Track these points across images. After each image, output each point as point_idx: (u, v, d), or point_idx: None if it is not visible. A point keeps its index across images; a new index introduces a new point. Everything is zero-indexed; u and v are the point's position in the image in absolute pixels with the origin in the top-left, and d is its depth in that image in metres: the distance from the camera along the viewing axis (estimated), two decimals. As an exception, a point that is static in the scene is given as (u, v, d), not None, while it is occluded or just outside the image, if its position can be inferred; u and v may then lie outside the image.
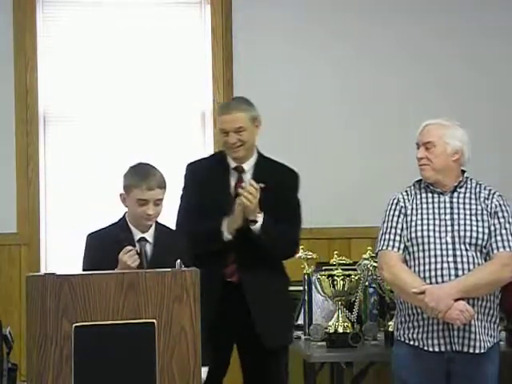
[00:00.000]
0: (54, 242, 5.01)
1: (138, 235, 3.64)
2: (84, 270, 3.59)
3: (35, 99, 4.96)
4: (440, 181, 3.72)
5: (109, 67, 5.07)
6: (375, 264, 4.26)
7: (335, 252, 4.47)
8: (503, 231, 3.67)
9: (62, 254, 5.00)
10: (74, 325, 2.85)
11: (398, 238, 3.71)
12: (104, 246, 3.57)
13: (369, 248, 4.40)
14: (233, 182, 3.91)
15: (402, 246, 3.71)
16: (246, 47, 5.10)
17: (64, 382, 2.83)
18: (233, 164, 3.92)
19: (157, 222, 3.68)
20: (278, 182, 3.85)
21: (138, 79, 5.08)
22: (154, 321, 2.90)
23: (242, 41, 5.09)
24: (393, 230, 3.72)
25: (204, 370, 3.30)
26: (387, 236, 3.72)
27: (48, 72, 5.04)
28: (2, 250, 4.89)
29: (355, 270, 4.37)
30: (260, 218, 3.79)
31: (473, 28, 5.26)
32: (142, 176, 3.57)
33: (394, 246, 3.70)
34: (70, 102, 5.08)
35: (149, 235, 3.66)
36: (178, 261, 3.42)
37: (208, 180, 3.90)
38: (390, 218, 3.75)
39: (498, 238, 3.66)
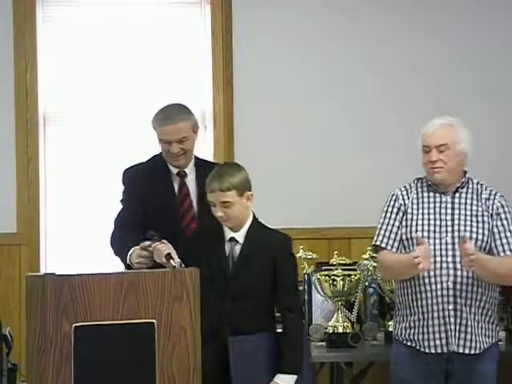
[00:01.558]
0: (53, 242, 5.01)
1: (228, 235, 3.61)
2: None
3: (35, 99, 4.96)
4: (449, 182, 3.72)
5: (109, 67, 5.07)
6: (375, 264, 4.27)
7: (335, 252, 4.48)
8: (508, 234, 3.67)
9: (61, 254, 4.99)
10: (73, 325, 2.85)
11: (393, 235, 3.72)
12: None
13: (369, 248, 4.40)
14: (176, 188, 3.88)
15: (397, 243, 3.72)
16: (246, 47, 5.09)
17: (64, 382, 2.83)
18: (174, 170, 3.88)
19: (253, 220, 3.63)
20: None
21: (138, 79, 5.07)
22: (154, 321, 2.90)
23: (241, 41, 5.09)
24: (389, 227, 3.73)
25: None
26: (382, 232, 3.74)
27: (48, 72, 5.04)
28: (1, 250, 4.89)
29: (355, 270, 4.38)
30: (178, 265, 3.52)
31: (470, 26, 5.25)
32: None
33: (387, 244, 3.72)
34: (70, 102, 5.07)
35: (239, 235, 3.60)
36: (179, 260, 3.42)
37: (151, 185, 3.84)
38: (388, 214, 3.76)
39: (504, 240, 3.65)
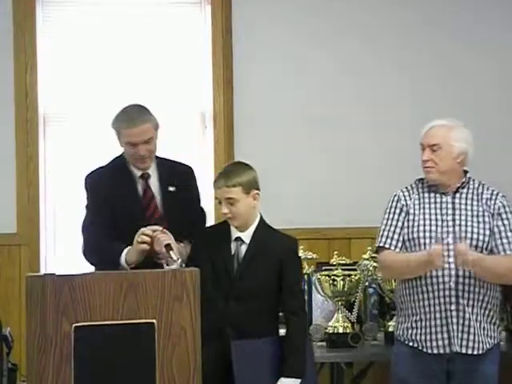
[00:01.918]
0: (53, 242, 5.01)
1: (235, 234, 3.64)
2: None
3: (35, 99, 4.96)
4: (444, 182, 3.72)
5: (109, 67, 5.07)
6: (375, 264, 4.28)
7: (335, 252, 4.48)
8: (509, 233, 3.67)
9: (61, 254, 4.99)
10: (73, 325, 2.85)
11: (396, 236, 3.72)
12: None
13: (369, 248, 4.40)
14: (140, 190, 3.82)
15: (400, 244, 3.71)
16: (246, 47, 5.09)
17: (64, 382, 2.83)
18: (137, 172, 3.82)
19: (260, 221, 3.66)
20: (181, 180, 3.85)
21: (138, 79, 5.07)
22: (154, 321, 2.90)
23: (241, 41, 5.09)
24: (392, 228, 3.73)
25: None
26: (386, 233, 3.74)
27: (48, 72, 5.04)
28: (1, 249, 4.89)
29: (355, 270, 4.38)
30: (177, 256, 3.54)
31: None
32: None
33: (391, 244, 3.72)
34: (70, 102, 5.07)
35: (246, 235, 3.63)
36: (179, 261, 3.42)
37: (114, 190, 3.77)
38: (391, 215, 3.76)
39: (505, 240, 3.65)
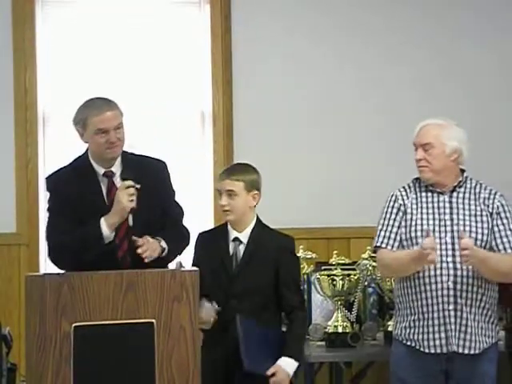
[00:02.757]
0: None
1: (232, 235, 3.71)
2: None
3: (34, 99, 4.95)
4: (439, 181, 3.72)
5: (108, 67, 5.07)
6: (374, 264, 4.27)
7: (334, 252, 4.48)
8: (508, 232, 3.67)
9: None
10: (73, 325, 2.85)
11: (393, 235, 3.72)
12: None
13: (368, 248, 4.40)
14: (104, 190, 3.67)
15: (397, 243, 3.72)
16: (245, 47, 5.09)
17: (63, 382, 2.83)
18: (101, 170, 3.68)
19: (257, 221, 3.74)
20: (151, 177, 3.68)
21: (137, 79, 5.07)
22: (154, 321, 2.91)
23: (241, 41, 5.09)
24: (389, 228, 3.74)
25: None
26: (383, 233, 3.74)
27: (47, 72, 5.04)
28: (1, 250, 4.88)
29: (354, 269, 4.38)
30: (164, 246, 3.56)
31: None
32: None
33: (388, 244, 3.72)
34: (69, 103, 5.06)
35: (243, 235, 3.71)
36: (178, 261, 3.43)
37: (78, 190, 3.62)
38: (388, 215, 3.76)
39: (505, 239, 3.66)
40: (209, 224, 5.02)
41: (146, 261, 3.47)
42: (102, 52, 5.07)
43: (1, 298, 4.84)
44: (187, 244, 3.80)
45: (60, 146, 5.05)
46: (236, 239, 3.72)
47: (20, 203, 4.92)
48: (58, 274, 2.94)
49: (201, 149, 5.15)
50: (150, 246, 3.50)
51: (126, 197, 3.51)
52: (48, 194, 3.75)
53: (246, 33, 5.10)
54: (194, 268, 3.02)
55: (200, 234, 3.90)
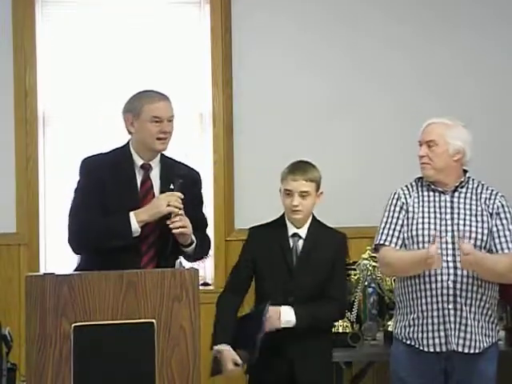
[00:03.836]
0: (53, 242, 5.01)
1: (291, 230, 3.78)
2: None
3: (34, 99, 4.96)
4: (441, 180, 3.73)
5: (108, 67, 5.07)
6: (375, 264, 4.28)
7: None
8: (507, 232, 3.67)
9: (61, 254, 4.99)
10: (73, 325, 2.85)
11: (396, 233, 3.73)
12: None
13: (368, 248, 4.40)
14: (139, 180, 3.71)
15: (400, 241, 3.72)
16: (245, 47, 5.09)
17: (63, 382, 2.83)
18: (140, 161, 3.71)
19: (313, 218, 3.82)
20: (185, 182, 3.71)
21: (137, 79, 5.06)
22: (154, 321, 2.90)
23: (241, 41, 5.09)
24: (392, 226, 3.74)
25: None
26: (386, 231, 3.74)
27: (47, 72, 5.04)
28: (1, 249, 4.89)
29: (354, 269, 4.38)
30: (193, 239, 3.66)
31: (470, 27, 5.26)
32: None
33: (391, 242, 3.72)
34: (69, 102, 5.07)
35: (302, 231, 3.78)
36: (178, 261, 3.44)
37: (111, 177, 3.66)
38: (391, 213, 3.76)
39: (503, 239, 3.66)
40: (209, 224, 5.03)
41: (178, 231, 3.54)
42: (102, 52, 5.07)
43: (1, 298, 4.84)
44: (208, 253, 3.90)
45: (60, 146, 5.06)
46: (295, 235, 3.79)
47: (20, 203, 4.92)
48: (58, 274, 2.94)
49: (201, 149, 5.15)
50: (184, 220, 3.57)
51: (166, 202, 3.56)
52: (79, 176, 3.77)
53: (245, 33, 5.10)
54: (194, 268, 3.02)
55: (253, 228, 3.94)
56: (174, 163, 3.84)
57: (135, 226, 3.57)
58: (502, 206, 3.72)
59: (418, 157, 3.74)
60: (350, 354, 4.17)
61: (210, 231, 5.01)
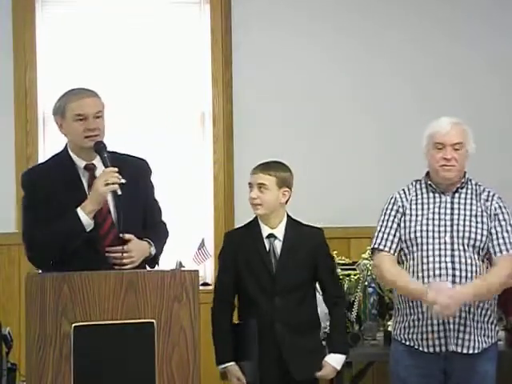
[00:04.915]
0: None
1: (266, 231, 3.74)
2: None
3: (34, 99, 4.96)
4: (455, 181, 3.73)
5: (108, 67, 5.06)
6: (374, 264, 4.27)
7: (334, 252, 4.46)
8: (505, 234, 3.67)
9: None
10: (73, 324, 2.85)
11: (390, 237, 3.73)
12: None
13: (368, 248, 4.39)
14: (85, 182, 3.56)
15: (395, 246, 3.72)
16: (245, 47, 5.09)
17: (63, 382, 2.83)
18: (82, 163, 3.57)
19: (288, 218, 3.80)
20: (133, 174, 3.58)
21: (137, 79, 5.07)
22: (154, 321, 2.91)
23: (241, 41, 5.09)
24: (387, 230, 3.74)
25: None
26: (381, 235, 3.75)
27: (47, 72, 5.04)
28: (1, 249, 4.89)
29: (354, 269, 4.38)
30: (152, 250, 3.56)
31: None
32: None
33: (385, 246, 3.72)
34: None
35: (278, 231, 3.75)
36: (178, 261, 3.43)
37: (57, 185, 3.51)
38: (386, 217, 3.76)
39: (501, 240, 3.66)
40: (209, 224, 5.03)
41: (128, 266, 3.41)
42: (102, 52, 5.07)
43: (1, 297, 4.84)
44: (167, 240, 3.76)
45: (60, 146, 5.05)
46: (271, 235, 3.75)
47: (20, 203, 4.91)
48: (58, 274, 2.94)
49: (201, 149, 5.15)
50: (136, 248, 3.47)
51: (102, 182, 3.42)
52: (23, 191, 3.63)
53: (246, 33, 5.10)
54: (194, 269, 3.02)
55: (228, 233, 3.94)
56: (119, 156, 3.67)
57: (85, 219, 3.44)
58: (500, 207, 3.72)
59: (442, 159, 3.68)
60: (349, 354, 4.16)
61: (210, 231, 5.03)
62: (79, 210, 3.45)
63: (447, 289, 3.51)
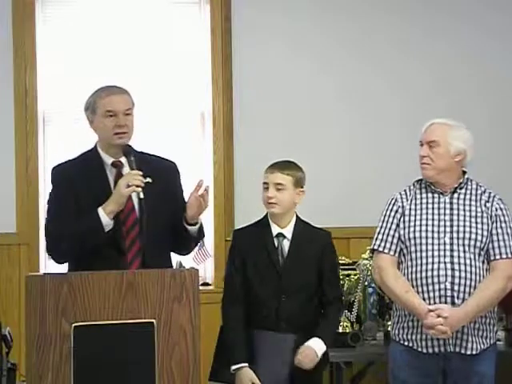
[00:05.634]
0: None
1: (275, 230, 3.75)
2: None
3: (34, 99, 4.96)
4: (441, 181, 3.72)
5: (108, 67, 5.07)
6: (374, 264, 4.27)
7: (334, 252, 4.47)
8: (506, 237, 3.67)
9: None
10: (73, 325, 2.85)
11: (390, 239, 3.72)
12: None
13: (368, 248, 4.39)
14: (111, 179, 3.60)
15: (394, 247, 3.72)
16: (245, 47, 5.09)
17: (63, 382, 2.83)
18: (109, 160, 3.62)
19: (297, 218, 3.79)
20: (162, 174, 3.66)
21: (137, 79, 5.06)
22: (154, 321, 2.90)
23: (241, 41, 5.09)
24: (387, 231, 3.74)
25: None
26: (381, 236, 3.75)
27: (47, 72, 5.04)
28: (1, 249, 4.89)
29: (354, 269, 4.39)
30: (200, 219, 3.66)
31: (469, 27, 5.26)
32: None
33: (385, 247, 3.72)
34: (69, 102, 5.07)
35: (286, 231, 3.75)
36: (178, 261, 3.43)
37: (83, 181, 3.57)
38: (386, 218, 3.76)
39: (501, 243, 3.66)
40: (209, 224, 5.03)
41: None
42: (102, 52, 5.07)
43: (1, 298, 4.85)
44: (203, 237, 3.84)
45: (60, 146, 5.06)
46: (280, 235, 3.75)
47: (20, 203, 4.92)
48: (58, 273, 2.94)
49: (201, 149, 5.15)
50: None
51: (125, 183, 3.47)
52: (51, 185, 3.70)
53: (246, 33, 5.10)
54: (194, 269, 3.02)
55: (236, 230, 3.95)
56: (148, 156, 3.73)
57: (105, 219, 3.49)
58: (500, 209, 3.72)
59: (419, 157, 3.73)
60: (349, 354, 4.17)
61: (210, 231, 5.03)
62: (99, 210, 3.50)
63: (447, 315, 3.51)
